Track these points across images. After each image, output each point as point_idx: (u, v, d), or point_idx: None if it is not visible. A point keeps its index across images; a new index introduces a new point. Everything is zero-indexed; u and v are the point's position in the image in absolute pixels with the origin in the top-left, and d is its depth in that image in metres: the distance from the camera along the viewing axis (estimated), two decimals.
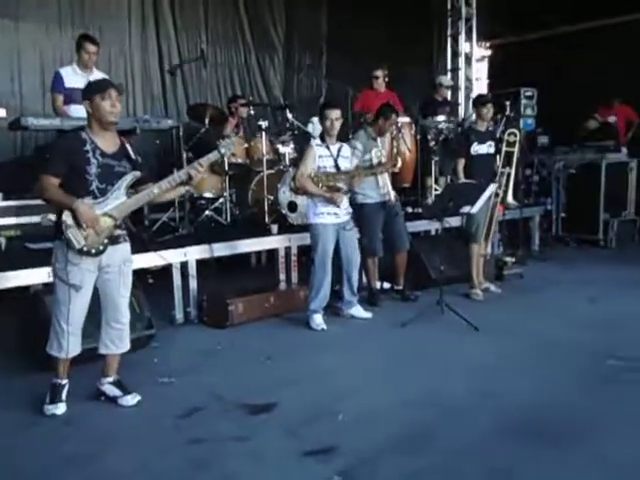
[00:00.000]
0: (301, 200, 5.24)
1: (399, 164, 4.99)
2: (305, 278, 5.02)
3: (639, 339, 4.16)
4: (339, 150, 4.63)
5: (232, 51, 7.75)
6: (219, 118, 6.04)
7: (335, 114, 4.52)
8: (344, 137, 5.14)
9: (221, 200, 5.94)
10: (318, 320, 4.59)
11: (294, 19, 8.19)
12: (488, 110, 5.42)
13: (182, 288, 4.75)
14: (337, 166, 4.58)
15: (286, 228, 5.51)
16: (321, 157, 4.55)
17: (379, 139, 5.09)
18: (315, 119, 6.40)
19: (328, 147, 4.58)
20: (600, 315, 4.84)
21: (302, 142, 6.11)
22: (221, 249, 4.99)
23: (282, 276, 5.35)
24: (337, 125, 4.55)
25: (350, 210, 4.70)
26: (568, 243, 8.06)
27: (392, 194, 5.12)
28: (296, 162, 5.82)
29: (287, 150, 5.86)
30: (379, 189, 5.06)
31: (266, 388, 3.45)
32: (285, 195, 5.55)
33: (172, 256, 4.68)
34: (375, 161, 4.94)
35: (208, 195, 5.94)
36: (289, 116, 6.04)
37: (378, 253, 5.22)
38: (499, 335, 4.36)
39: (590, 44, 8.88)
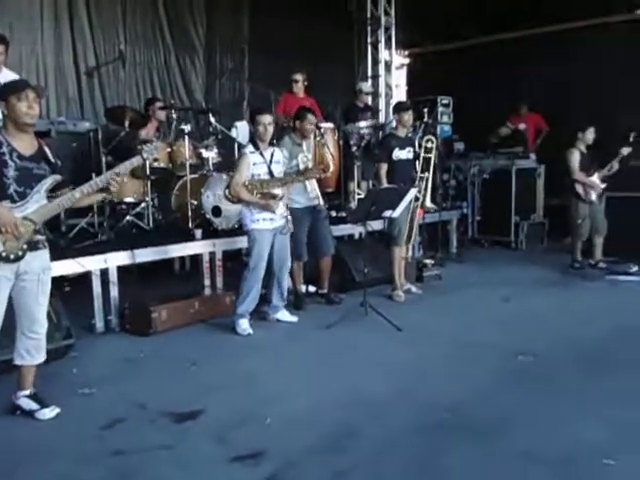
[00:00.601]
0: (226, 205, 5.21)
1: (332, 168, 5.06)
2: (230, 283, 5.00)
3: (547, 335, 4.41)
4: (272, 156, 4.62)
5: (151, 52, 7.55)
6: (139, 121, 5.91)
7: (267, 119, 4.54)
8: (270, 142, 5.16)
9: (143, 205, 5.81)
10: (244, 325, 4.59)
11: (215, 21, 8.09)
12: (409, 117, 5.61)
13: (102, 296, 4.61)
14: (271, 172, 4.58)
15: (210, 233, 5.46)
16: (255, 164, 4.53)
17: (304, 144, 5.15)
18: (239, 123, 6.39)
19: (262, 153, 4.57)
20: (512, 313, 5.12)
21: (226, 146, 6.09)
22: (143, 255, 4.88)
23: (207, 281, 5.30)
24: (270, 130, 4.57)
25: (286, 214, 4.71)
26: (483, 245, 8.45)
27: (320, 199, 5.20)
28: (220, 167, 5.80)
29: (211, 155, 5.80)
30: (307, 194, 5.11)
31: (191, 395, 3.41)
32: (209, 200, 5.50)
33: (91, 263, 4.53)
34: (302, 167, 4.99)
35: (129, 200, 5.79)
36: (212, 120, 5.99)
37: (303, 257, 5.27)
38: (420, 335, 4.52)
39: (503, 54, 9.33)
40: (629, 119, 7.08)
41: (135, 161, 3.28)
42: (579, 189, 6.65)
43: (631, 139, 6.60)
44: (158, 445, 2.85)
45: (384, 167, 5.52)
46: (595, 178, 6.65)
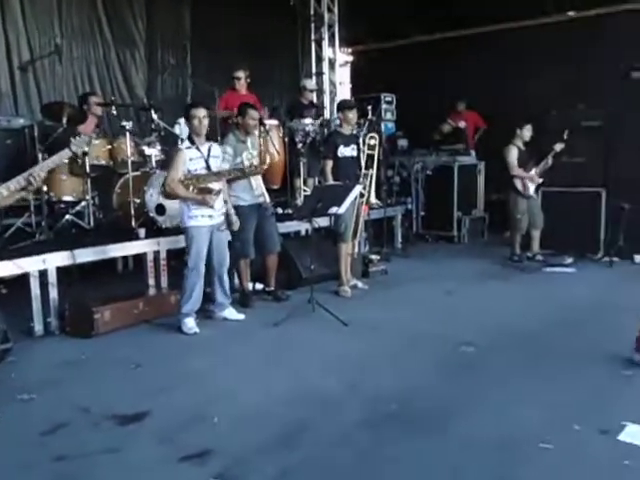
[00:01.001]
0: (170, 203, 5.13)
1: (267, 160, 5.05)
2: (175, 282, 4.93)
3: (487, 326, 4.56)
4: (209, 150, 4.58)
5: (89, 45, 7.31)
6: (78, 117, 5.72)
7: (202, 112, 4.49)
8: (214, 139, 5.12)
9: (83, 204, 5.64)
10: (190, 324, 4.53)
11: (155, 15, 7.92)
12: (353, 115, 5.67)
13: (41, 298, 4.46)
14: (208, 167, 4.54)
15: (154, 232, 5.36)
16: (192, 160, 4.47)
17: (249, 141, 5.13)
18: (182, 120, 6.28)
19: (198, 148, 4.52)
20: (455, 306, 5.26)
21: (169, 144, 5.98)
22: (84, 255, 4.75)
23: (151, 281, 5.20)
24: (205, 123, 4.52)
25: (224, 211, 4.68)
26: (427, 240, 8.63)
27: (266, 196, 5.18)
28: (163, 164, 5.70)
29: (153, 152, 5.69)
30: (252, 191, 5.09)
31: (136, 397, 3.35)
32: (152, 198, 5.40)
33: (29, 264, 4.38)
34: (247, 164, 4.96)
35: (68, 199, 5.61)
36: (154, 117, 5.87)
37: (250, 255, 5.25)
38: (366, 329, 4.58)
39: (444, 53, 9.54)
40: (560, 116, 7.37)
41: (64, 154, 3.18)
42: (518, 185, 6.88)
43: (565, 136, 6.87)
44: (103, 449, 2.78)
45: (329, 164, 5.56)
46: (533, 173, 6.90)
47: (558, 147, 6.84)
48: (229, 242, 4.88)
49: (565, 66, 8.52)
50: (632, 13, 8.21)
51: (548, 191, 7.12)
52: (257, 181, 5.09)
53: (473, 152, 9.06)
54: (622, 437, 2.77)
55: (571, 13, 8.91)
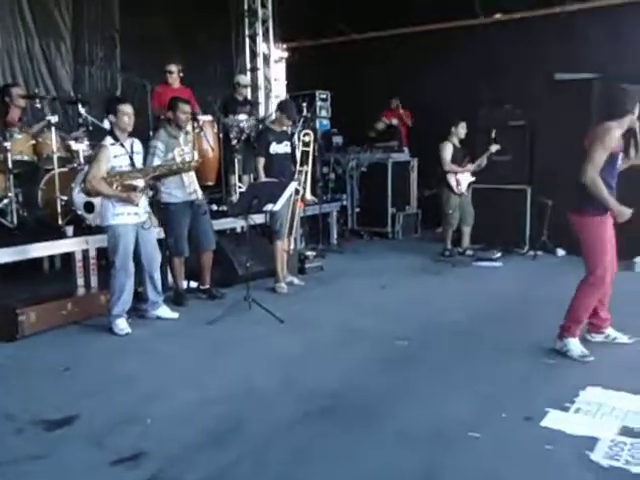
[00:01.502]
0: (98, 200, 4.97)
1: (196, 157, 4.98)
2: (106, 282, 4.79)
3: (420, 320, 4.68)
4: (132, 146, 4.47)
5: (11, 36, 6.95)
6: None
7: (130, 109, 4.39)
8: (146, 135, 5.00)
9: (5, 201, 5.39)
10: (122, 324, 4.42)
11: (82, 5, 7.63)
12: (288, 123, 5.71)
13: None
14: (133, 164, 4.43)
15: (83, 230, 5.19)
16: (116, 156, 4.35)
17: (182, 136, 5.04)
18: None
19: (123, 145, 4.40)
20: (389, 300, 5.36)
21: (98, 139, 5.78)
22: (7, 254, 4.56)
23: (80, 281, 5.05)
24: (132, 122, 4.42)
25: (149, 209, 4.58)
26: (362, 236, 8.75)
27: (199, 193, 5.11)
28: (91, 159, 5.52)
29: (81, 147, 5.51)
30: (185, 188, 5.01)
31: (65, 401, 3.24)
32: (80, 195, 5.22)
33: None
34: (178, 160, 4.88)
35: None
36: (81, 111, 5.68)
37: (184, 253, 5.17)
38: (303, 325, 4.61)
39: (379, 51, 9.70)
40: (487, 115, 7.63)
41: None
42: (451, 181, 7.07)
43: (493, 135, 7.11)
44: (30, 455, 2.68)
45: (262, 161, 5.55)
46: (466, 171, 7.10)
47: (494, 148, 7.06)
48: (163, 239, 4.79)
49: (492, 66, 8.83)
50: (555, 16, 8.60)
51: (477, 188, 7.36)
52: (190, 178, 5.01)
53: (406, 149, 9.25)
54: (545, 423, 2.91)
55: (498, 15, 9.24)
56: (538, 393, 3.27)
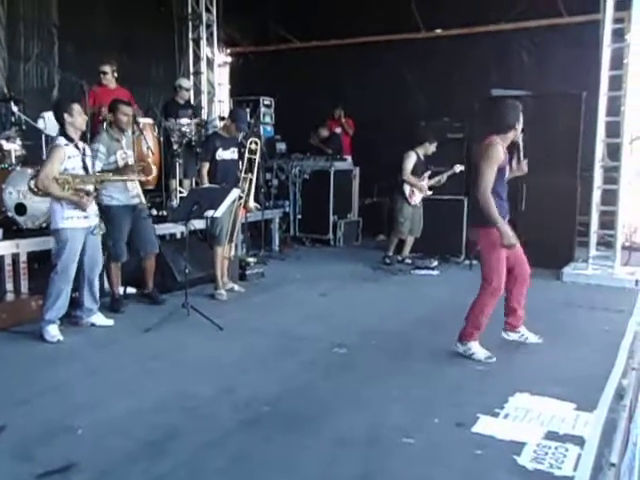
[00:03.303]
0: (32, 203, 4.81)
1: (154, 172, 4.91)
2: (37, 287, 4.63)
3: (358, 327, 4.73)
4: (84, 149, 4.41)
5: None
6: None
7: (78, 107, 4.31)
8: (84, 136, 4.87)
9: None
10: (53, 331, 4.27)
11: (18, 0, 7.37)
12: (237, 132, 5.71)
13: None
14: (85, 166, 4.34)
15: (13, 232, 5.00)
16: (70, 157, 4.25)
17: (124, 139, 4.94)
18: (47, 114, 5.90)
19: (77, 146, 4.31)
20: (329, 308, 5.42)
21: (32, 138, 5.61)
22: None
23: (9, 286, 4.85)
24: (84, 119, 4.36)
25: (98, 213, 4.48)
26: (304, 242, 8.78)
27: (142, 197, 5.02)
28: (25, 160, 5.34)
29: (13, 147, 5.31)
30: (127, 192, 4.91)
31: None
32: (12, 197, 5.03)
33: None
34: (121, 163, 4.78)
35: None
36: (14, 109, 5.47)
37: (122, 258, 5.06)
38: (242, 332, 4.59)
39: (323, 61, 9.79)
40: (427, 127, 7.83)
41: None
42: (406, 190, 7.12)
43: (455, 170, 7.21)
44: None
45: (206, 166, 5.51)
46: (424, 184, 7.17)
47: (457, 168, 7.16)
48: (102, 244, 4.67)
49: (433, 80, 9.08)
50: (493, 34, 8.94)
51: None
52: (133, 182, 4.92)
53: (349, 158, 9.37)
54: (475, 428, 3.01)
55: (438, 31, 9.51)
56: (470, 399, 3.38)
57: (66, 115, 4.28)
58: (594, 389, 3.47)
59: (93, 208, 4.41)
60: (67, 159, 4.24)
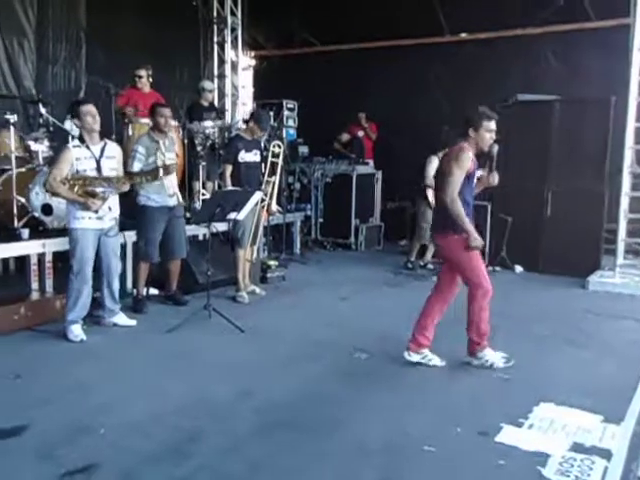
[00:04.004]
0: (57, 203, 4.87)
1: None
2: (62, 286, 4.67)
3: (379, 333, 4.69)
4: (103, 150, 4.38)
5: None
6: None
7: (93, 108, 4.32)
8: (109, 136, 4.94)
9: None
10: (76, 331, 4.31)
11: (47, 5, 7.46)
12: (261, 132, 5.76)
13: None
14: (99, 168, 4.34)
15: (40, 233, 5.06)
16: (79, 159, 4.26)
17: (166, 141, 4.98)
18: None
19: (89, 147, 4.31)
20: (349, 312, 5.39)
21: (59, 140, 5.68)
22: None
23: (35, 285, 4.92)
24: (98, 120, 4.34)
25: (116, 215, 4.49)
26: (325, 246, 8.76)
27: (179, 198, 5.06)
28: (51, 161, 5.39)
29: (40, 148, 5.39)
30: (165, 193, 4.95)
31: (15, 410, 3.14)
32: (38, 197, 5.11)
33: None
34: (160, 164, 4.80)
35: None
36: (42, 111, 5.55)
37: (153, 258, 5.09)
38: (263, 335, 4.59)
39: (346, 64, 9.78)
40: (451, 132, 7.75)
41: None
42: (429, 195, 7.05)
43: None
44: None
45: (229, 168, 5.52)
46: None
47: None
48: (133, 243, 4.71)
49: (457, 84, 9.01)
50: (519, 38, 8.83)
51: None
52: (171, 182, 4.97)
53: (371, 162, 9.34)
54: (499, 438, 2.96)
55: (463, 35, 9.43)
56: (493, 408, 3.33)
57: (75, 120, 4.34)
58: (621, 400, 3.40)
59: (111, 210, 4.40)
60: (76, 161, 4.25)
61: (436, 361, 3.99)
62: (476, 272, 3.85)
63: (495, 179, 4.04)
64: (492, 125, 3.83)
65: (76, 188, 4.21)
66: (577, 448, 2.87)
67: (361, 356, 4.16)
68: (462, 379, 3.80)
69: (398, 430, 3.05)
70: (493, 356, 3.94)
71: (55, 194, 4.29)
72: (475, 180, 3.94)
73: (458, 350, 4.25)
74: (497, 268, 7.11)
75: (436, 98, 9.33)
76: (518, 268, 7.20)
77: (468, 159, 3.75)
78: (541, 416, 3.22)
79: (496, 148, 3.93)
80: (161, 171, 4.67)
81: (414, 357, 3.98)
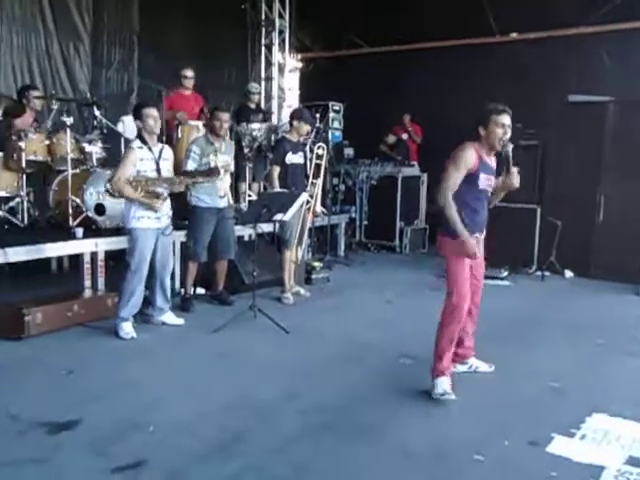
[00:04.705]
0: (110, 203, 5.00)
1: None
2: (113, 284, 4.80)
3: (425, 338, 4.61)
4: (160, 152, 4.50)
5: (31, 36, 7.01)
6: (17, 110, 5.49)
7: (155, 112, 4.44)
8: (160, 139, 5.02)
9: (17, 200, 5.41)
10: (127, 328, 4.42)
11: (102, 8, 7.70)
12: (306, 128, 5.74)
13: None
14: (158, 169, 4.45)
15: (93, 232, 5.21)
16: (142, 160, 4.38)
17: (223, 144, 5.06)
18: (126, 118, 6.15)
19: (150, 149, 4.43)
20: (395, 316, 5.34)
21: (112, 142, 5.83)
22: (17, 253, 4.56)
23: (87, 282, 5.05)
24: (159, 124, 4.47)
25: (170, 214, 4.60)
26: (369, 248, 8.73)
27: (230, 200, 5.13)
28: (105, 162, 5.55)
29: (94, 149, 5.54)
30: (216, 194, 5.03)
31: (68, 404, 3.23)
32: (92, 197, 5.26)
33: None
34: (213, 165, 4.88)
35: (1, 194, 5.37)
36: (97, 113, 5.71)
37: (201, 258, 5.17)
38: (307, 337, 4.60)
39: (392, 66, 9.72)
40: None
41: None
42: None
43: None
44: (30, 459, 2.67)
45: (277, 170, 5.56)
46: None
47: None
48: (182, 243, 4.80)
49: (506, 85, 8.82)
50: (572, 37, 8.61)
51: None
52: (224, 184, 5.04)
53: (416, 164, 9.25)
54: (550, 448, 2.88)
55: (514, 35, 9.25)
56: (543, 417, 3.24)
57: (137, 121, 4.43)
58: None
59: (165, 209, 4.52)
60: (139, 161, 4.37)
61: (484, 367, 3.89)
62: (454, 280, 3.49)
63: (515, 181, 3.59)
64: (502, 119, 3.46)
65: (139, 189, 4.31)
66: (633, 461, 2.76)
67: (406, 361, 4.12)
68: (510, 386, 3.71)
69: (444, 437, 3.00)
70: (443, 386, 3.43)
71: (120, 194, 4.37)
72: (487, 183, 3.54)
73: (507, 356, 4.17)
74: (546, 273, 6.94)
75: (483, 100, 9.15)
76: (568, 273, 7.02)
77: (465, 156, 3.41)
78: (594, 427, 3.11)
79: (510, 147, 3.54)
80: (220, 171, 4.75)
81: (460, 368, 3.83)
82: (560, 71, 8.47)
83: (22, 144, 5.19)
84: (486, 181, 3.54)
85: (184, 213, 5.18)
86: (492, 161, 3.61)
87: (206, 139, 5.06)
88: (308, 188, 5.70)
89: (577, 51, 8.58)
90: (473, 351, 3.89)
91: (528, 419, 3.23)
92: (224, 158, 5.03)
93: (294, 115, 5.83)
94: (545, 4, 8.34)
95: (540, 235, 7.24)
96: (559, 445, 2.91)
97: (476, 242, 3.53)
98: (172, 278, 5.03)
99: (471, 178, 3.45)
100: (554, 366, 3.94)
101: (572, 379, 3.77)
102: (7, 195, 5.41)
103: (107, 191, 5.05)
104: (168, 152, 4.60)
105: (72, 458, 2.71)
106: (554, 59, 8.58)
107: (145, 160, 4.39)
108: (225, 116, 5.09)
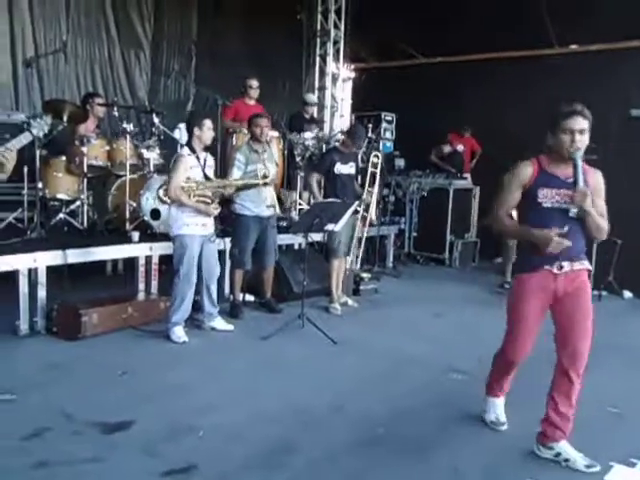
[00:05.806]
0: (165, 208, 5.10)
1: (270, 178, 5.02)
2: (165, 288, 4.89)
3: (475, 353, 4.52)
4: (205, 160, 4.61)
5: (95, 45, 7.28)
6: (79, 116, 5.68)
7: (211, 124, 4.55)
8: (215, 149, 5.13)
9: (77, 203, 5.59)
10: (179, 332, 4.49)
11: (163, 18, 7.93)
12: (356, 147, 5.78)
13: (29, 296, 4.38)
14: (206, 177, 4.55)
15: (148, 236, 5.33)
16: (192, 167, 4.48)
17: (266, 151, 5.11)
18: (182, 125, 6.26)
19: (198, 157, 4.53)
20: (444, 330, 5.26)
21: (168, 148, 5.96)
22: (76, 255, 4.69)
23: (141, 286, 5.16)
24: (212, 136, 4.59)
25: (215, 221, 4.68)
26: (418, 261, 8.63)
27: (276, 207, 5.17)
28: (161, 168, 5.68)
29: (152, 155, 5.66)
30: (261, 203, 5.07)
31: (122, 405, 3.30)
32: (148, 202, 5.37)
33: (19, 262, 4.31)
34: (260, 174, 4.93)
35: (62, 197, 5.55)
36: (155, 120, 5.85)
37: (246, 266, 5.22)
38: (355, 348, 4.56)
39: (445, 77, 9.61)
40: None
41: (23, 138, 3.14)
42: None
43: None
44: (84, 458, 2.73)
45: (315, 176, 5.62)
46: None
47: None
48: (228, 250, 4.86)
49: (563, 97, 8.59)
50: (632, 50, 8.33)
51: None
52: (270, 192, 5.09)
53: (469, 176, 9.12)
54: (609, 478, 2.77)
55: (574, 46, 9.02)
56: (602, 444, 3.11)
57: (196, 128, 4.51)
58: None
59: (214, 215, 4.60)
60: (190, 169, 4.46)
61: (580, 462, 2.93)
62: (509, 328, 3.17)
63: (582, 199, 2.85)
64: (570, 123, 2.87)
65: (191, 195, 4.41)
66: None
67: (457, 377, 4.04)
68: None
69: (497, 457, 2.94)
70: (496, 410, 3.30)
71: (177, 202, 4.46)
72: (554, 199, 2.96)
73: None
74: (603, 293, 6.70)
75: (540, 112, 8.96)
76: (627, 294, 6.76)
77: (517, 170, 2.97)
78: None
79: (579, 154, 2.90)
80: (265, 180, 4.80)
81: (544, 452, 3.02)
82: (622, 83, 8.19)
83: (84, 149, 5.35)
84: (553, 196, 2.94)
85: (229, 221, 5.24)
86: (567, 172, 2.93)
87: (249, 146, 5.11)
88: (364, 196, 5.69)
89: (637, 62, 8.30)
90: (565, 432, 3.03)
91: (585, 445, 3.09)
92: (267, 165, 4.99)
93: (348, 130, 5.92)
94: (607, 16, 8.10)
95: (597, 253, 7.00)
96: (618, 474, 2.80)
97: (564, 277, 3.03)
98: (221, 284, 5.08)
99: (527, 193, 3.00)
100: (612, 391, 3.79)
101: (632, 405, 3.62)
102: (68, 198, 5.58)
103: (159, 198, 5.17)
104: (211, 160, 4.72)
105: (125, 459, 2.76)
106: (617, 72, 8.31)
107: (194, 168, 4.49)
108: (264, 121, 5.11)
